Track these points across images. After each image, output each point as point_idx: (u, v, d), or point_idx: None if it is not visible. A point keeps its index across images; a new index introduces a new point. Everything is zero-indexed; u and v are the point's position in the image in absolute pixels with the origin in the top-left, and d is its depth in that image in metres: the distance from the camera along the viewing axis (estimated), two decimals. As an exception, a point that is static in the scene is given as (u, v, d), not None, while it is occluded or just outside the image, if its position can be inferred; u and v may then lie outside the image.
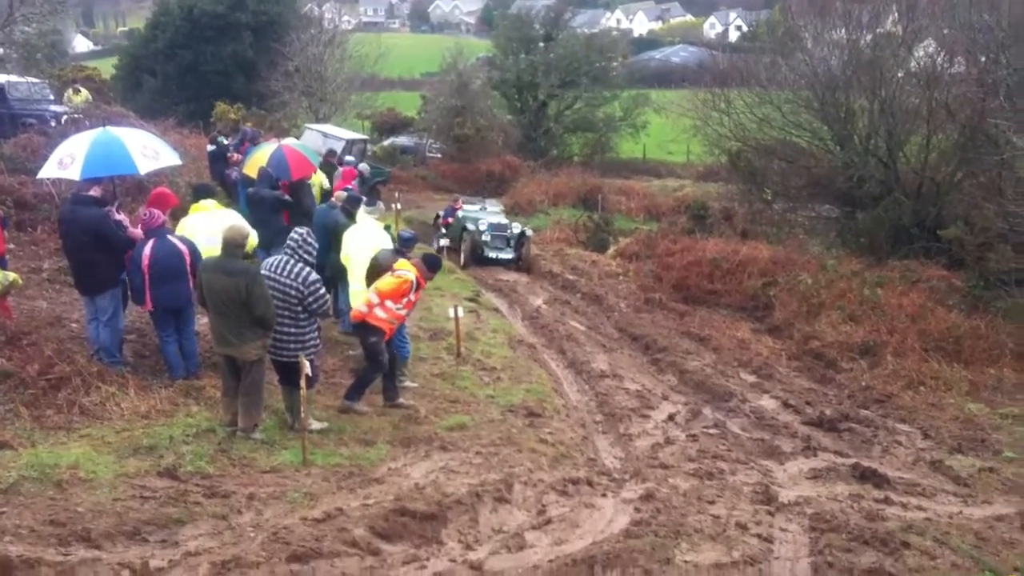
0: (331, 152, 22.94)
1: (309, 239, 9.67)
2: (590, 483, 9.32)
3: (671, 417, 12.16)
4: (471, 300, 17.33)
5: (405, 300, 10.58)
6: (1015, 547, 8.15)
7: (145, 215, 10.41)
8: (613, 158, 45.22)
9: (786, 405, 12.68)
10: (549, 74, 44.58)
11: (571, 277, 20.75)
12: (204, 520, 7.42)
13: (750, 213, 26.18)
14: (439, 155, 38.97)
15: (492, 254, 21.89)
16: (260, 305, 9.01)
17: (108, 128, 11.86)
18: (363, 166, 22.88)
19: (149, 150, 11.27)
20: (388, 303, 10.41)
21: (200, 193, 11.94)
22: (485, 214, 23.06)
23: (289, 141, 17.31)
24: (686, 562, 7.29)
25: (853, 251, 21.65)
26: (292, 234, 9.74)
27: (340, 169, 20.51)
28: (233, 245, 9.22)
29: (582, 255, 23.27)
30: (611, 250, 24.28)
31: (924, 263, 19.26)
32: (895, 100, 23.14)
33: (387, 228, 13.52)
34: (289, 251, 9.60)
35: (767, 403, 12.78)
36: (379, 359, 10.67)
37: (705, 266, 19.97)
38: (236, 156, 18.65)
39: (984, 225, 18.98)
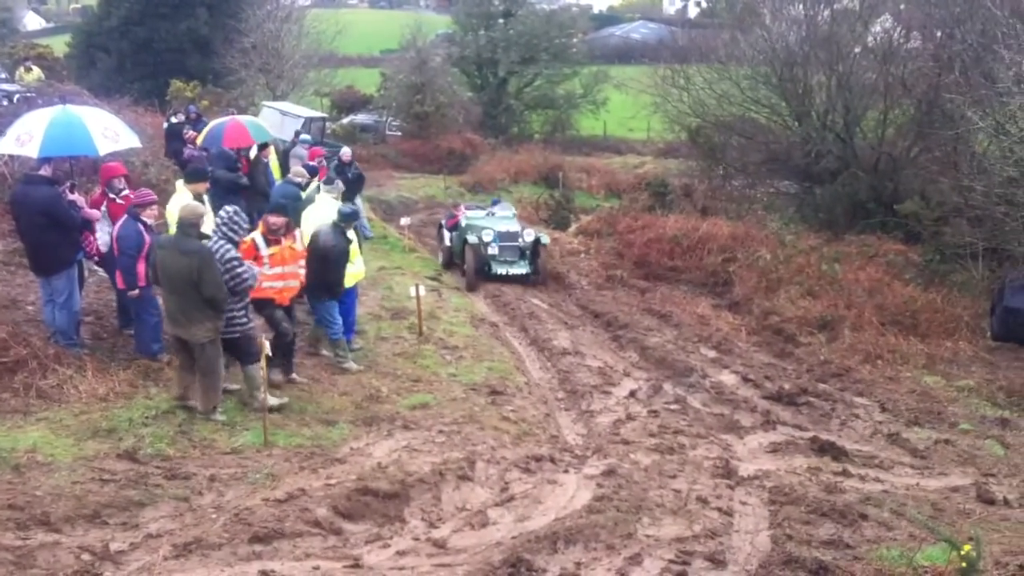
0: (298, 133, 22.83)
1: (236, 217, 9.60)
2: (552, 460, 9.37)
3: (632, 393, 12.23)
4: (433, 279, 17.31)
5: (263, 260, 10.32)
6: (970, 517, 8.29)
7: (133, 194, 10.37)
8: (574, 135, 45.17)
9: (746, 380, 12.79)
10: (509, 51, 44.42)
11: (532, 255, 20.74)
12: (165, 502, 7.39)
13: (710, 189, 26.31)
14: (399, 133, 38.74)
15: (501, 269, 17.93)
16: (210, 286, 8.95)
17: (68, 107, 11.67)
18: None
19: (110, 131, 11.11)
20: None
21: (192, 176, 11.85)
22: (492, 221, 18.83)
23: (243, 118, 17.16)
24: (648, 536, 7.36)
25: (811, 226, 21.85)
26: (220, 212, 9.72)
27: (302, 148, 20.32)
28: (187, 224, 9.14)
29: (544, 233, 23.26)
30: (572, 228, 24.30)
31: (881, 238, 19.49)
32: (852, 75, 23.32)
33: None
34: (215, 229, 9.59)
35: (727, 378, 12.89)
36: (279, 328, 10.56)
37: (666, 243, 20.04)
38: (192, 134, 18.45)
39: (940, 199, 19.23)
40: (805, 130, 23.99)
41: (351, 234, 11.87)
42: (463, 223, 18.87)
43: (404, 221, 20.08)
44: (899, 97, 22.50)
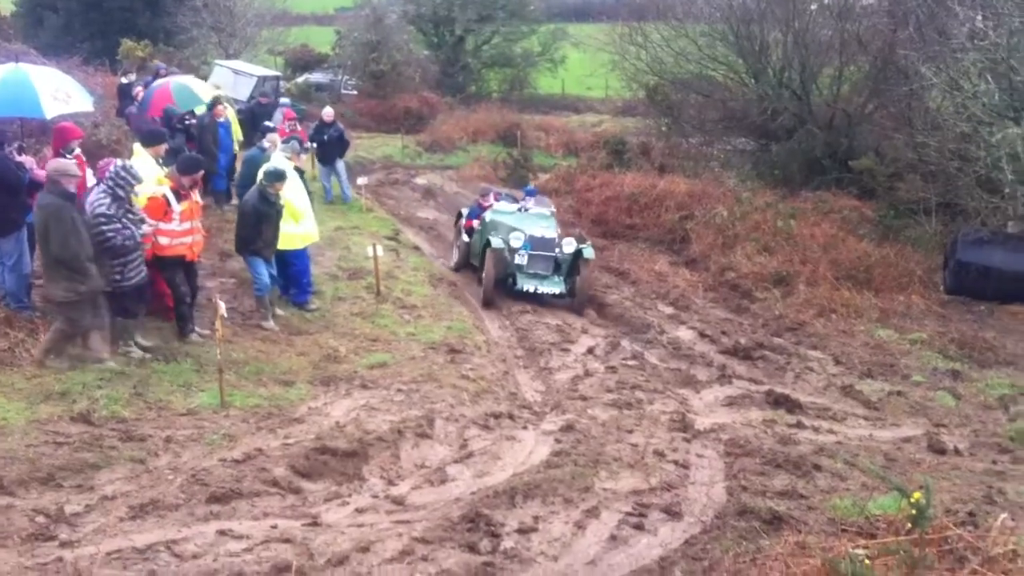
0: (263, 94, 22.55)
1: (124, 172, 9.54)
2: (511, 417, 9.42)
3: (590, 350, 12.30)
4: (390, 239, 17.21)
5: (173, 215, 10.21)
6: (921, 466, 8.45)
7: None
8: (532, 94, 44.94)
9: (702, 335, 12.91)
10: (466, 8, 43.95)
11: (491, 214, 20.69)
12: (120, 464, 7.33)
13: (667, 147, 26.32)
14: (355, 92, 38.34)
15: (529, 285, 14.34)
16: (54, 243, 8.87)
17: (21, 65, 11.42)
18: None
19: (61, 93, 10.92)
20: (161, 226, 10.13)
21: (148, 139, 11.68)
22: (525, 219, 15.28)
23: (175, 83, 16.88)
24: (605, 489, 7.42)
25: (767, 183, 21.96)
26: (111, 166, 9.68)
27: (279, 111, 20.10)
28: (51, 180, 9.08)
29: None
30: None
31: (836, 194, 19.63)
32: (808, 33, 23.36)
33: (300, 172, 13.30)
34: (103, 182, 9.59)
35: (684, 334, 12.99)
36: (176, 291, 10.48)
37: (623, 201, 20.07)
38: (140, 90, 18.18)
39: (894, 155, 19.39)
40: (761, 87, 24.05)
41: (297, 193, 11.84)
42: (487, 219, 15.40)
43: (361, 181, 19.92)
44: (854, 54, 22.60)
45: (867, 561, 4.88)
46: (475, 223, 15.85)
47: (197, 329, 10.69)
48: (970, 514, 6.98)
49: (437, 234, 18.92)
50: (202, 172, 10.67)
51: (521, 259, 14.46)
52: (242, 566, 5.90)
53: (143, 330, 10.30)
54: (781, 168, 22.88)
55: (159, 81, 18.21)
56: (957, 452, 9.12)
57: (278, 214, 11.49)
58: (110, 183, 9.44)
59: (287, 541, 6.35)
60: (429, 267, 15.90)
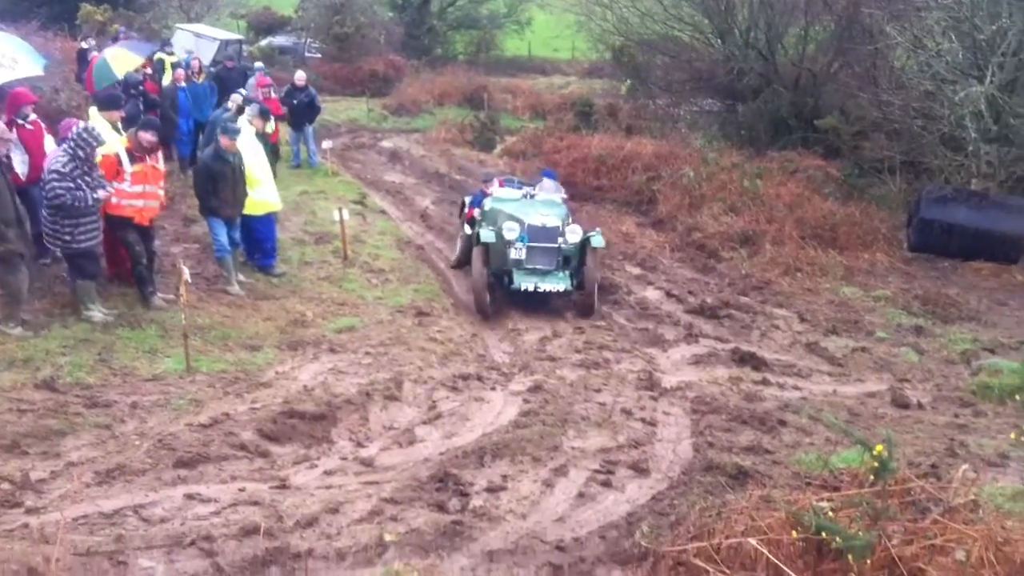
0: (229, 58, 22.25)
1: (86, 134, 9.51)
2: (479, 378, 9.44)
3: (559, 311, 12.33)
4: (357, 203, 17.11)
5: (124, 175, 10.12)
6: (884, 420, 8.56)
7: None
8: (498, 56, 44.63)
9: (669, 295, 12.96)
10: (431, -31, 43.59)
11: (458, 177, 20.61)
12: (86, 430, 7.29)
13: (634, 109, 26.28)
14: (319, 55, 37.91)
15: (527, 282, 12.26)
16: None
17: None
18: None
19: (7, 59, 10.73)
20: (114, 186, 10.04)
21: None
22: (527, 207, 13.15)
23: (104, 56, 16.62)
24: (573, 448, 7.46)
25: (734, 144, 21.99)
26: (73, 127, 9.70)
27: (252, 78, 19.82)
28: None
29: (469, 154, 23.09)
30: (498, 149, 24.13)
31: (802, 153, 19.70)
32: (774, -8, 23.32)
33: (265, 138, 13.18)
34: (65, 142, 9.58)
35: (651, 294, 13.04)
36: (131, 252, 10.41)
37: (591, 162, 20.04)
38: (96, 56, 17.92)
39: (859, 114, 19.46)
40: (728, 48, 24.01)
41: (255, 159, 11.75)
42: (485, 208, 13.40)
43: (326, 145, 19.77)
44: (820, 13, 22.58)
45: (831, 513, 4.95)
46: (476, 212, 13.68)
47: (160, 293, 10.60)
48: (932, 466, 7.09)
49: (404, 198, 18.82)
50: (157, 135, 10.49)
51: (518, 253, 12.31)
52: (210, 529, 5.89)
53: (103, 297, 10.19)
54: (747, 128, 22.92)
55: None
56: (920, 406, 9.24)
57: (235, 172, 11.33)
58: (71, 144, 9.38)
59: (255, 504, 6.35)
60: (396, 231, 15.84)
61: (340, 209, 13.63)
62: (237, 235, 11.74)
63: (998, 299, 13.75)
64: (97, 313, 9.77)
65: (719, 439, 7.82)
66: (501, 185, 14.20)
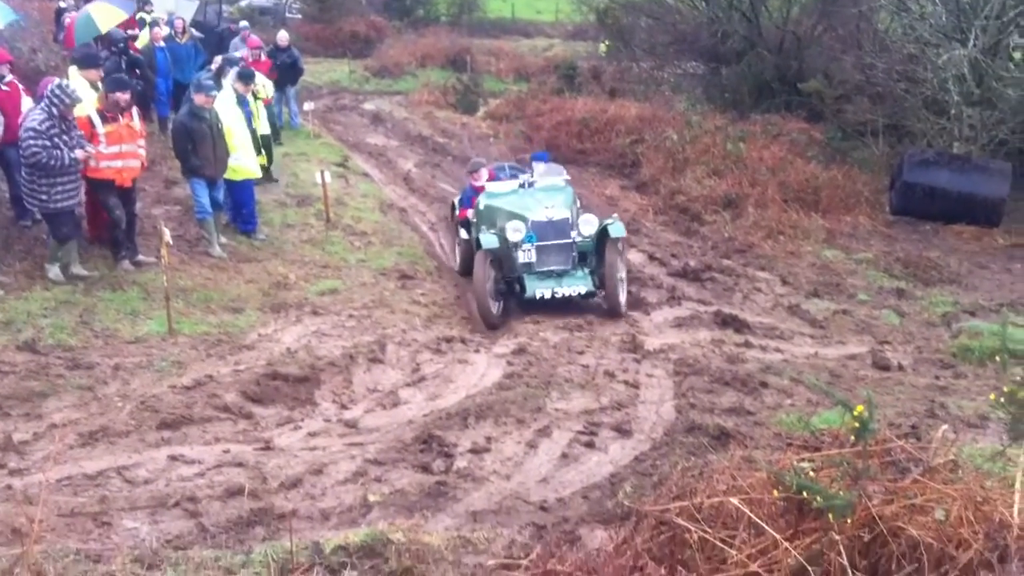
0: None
1: (59, 91, 9.48)
2: (463, 340, 9.46)
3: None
4: (339, 165, 17.01)
5: (98, 138, 10.05)
6: (865, 382, 8.62)
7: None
8: (481, 17, 44.22)
9: (652, 258, 12.97)
10: (413, -71, 43.04)
11: (441, 140, 20.53)
12: (68, 392, 7.28)
13: (618, 71, 26.14)
14: (299, 16, 37.50)
15: (543, 290, 10.71)
16: None
17: None
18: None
19: None
20: (93, 147, 10.00)
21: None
22: (527, 199, 11.53)
23: (95, 4, 16.42)
24: (556, 409, 7.50)
25: (717, 107, 21.92)
26: (49, 84, 9.68)
27: (238, 38, 19.55)
28: None
29: (452, 117, 22.97)
30: (481, 112, 24.02)
31: (785, 117, 19.66)
32: (758, -47, 23.17)
33: (243, 101, 13.08)
34: (41, 100, 9.57)
35: (634, 257, 13.04)
36: (111, 213, 10.35)
37: (574, 125, 19.96)
38: (73, 16, 17.70)
39: (842, 77, 19.41)
40: (712, 10, 23.87)
41: (234, 123, 11.67)
42: (480, 207, 11.76)
43: (308, 106, 19.61)
44: (804, -25, 22.49)
45: (812, 473, 4.98)
46: (470, 213, 12.07)
47: (141, 256, 10.55)
48: (913, 427, 7.16)
49: (387, 160, 18.73)
50: (129, 93, 10.37)
51: (527, 256, 10.73)
52: (194, 490, 5.91)
53: (82, 258, 10.12)
54: (731, 91, 22.83)
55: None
56: (901, 368, 9.31)
57: (212, 131, 11.22)
58: (46, 101, 9.31)
59: (240, 465, 6.37)
60: (379, 193, 15.77)
61: (322, 171, 13.55)
62: (220, 197, 11.65)
63: (979, 262, 13.82)
64: (56, 273, 9.71)
65: (701, 401, 7.87)
66: (492, 177, 12.48)
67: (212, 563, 5.02)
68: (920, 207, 15.39)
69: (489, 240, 10.60)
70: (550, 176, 12.19)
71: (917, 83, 16.69)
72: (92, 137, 9.89)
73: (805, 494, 4.66)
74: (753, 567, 4.45)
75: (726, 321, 10.33)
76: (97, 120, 9.99)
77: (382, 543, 5.29)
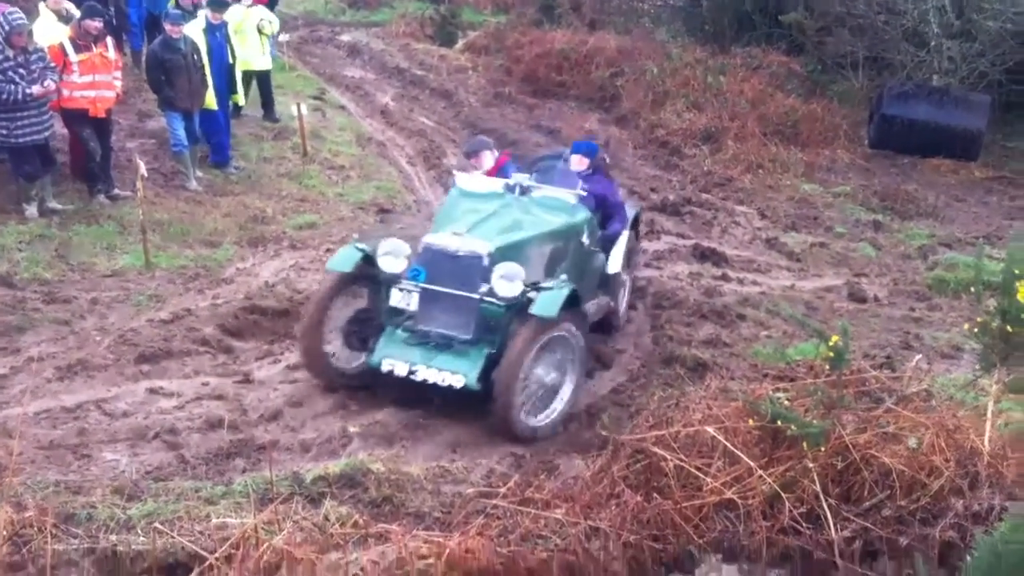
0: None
1: (1, 19, 9.17)
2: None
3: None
4: (316, 98, 16.79)
5: (71, 67, 9.81)
6: (840, 313, 8.70)
7: None
8: (459, -53, 43.64)
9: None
10: None
11: (419, 72, 20.28)
12: (45, 326, 7.26)
13: (598, 2, 25.85)
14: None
15: (393, 361, 6.49)
16: None
17: None
18: None
19: None
20: (61, 79, 9.76)
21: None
22: (505, 212, 7.38)
23: None
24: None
25: (698, 39, 21.72)
26: None
27: None
28: None
29: (429, 50, 22.66)
30: (459, 44, 23.71)
31: (765, 49, 19.51)
32: None
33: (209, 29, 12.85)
34: None
35: (614, 191, 13.02)
36: (85, 145, 10.19)
37: (554, 58, 19.72)
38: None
39: (823, 9, 19.23)
40: (693, -60, 23.59)
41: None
42: (440, 207, 8.55)
43: (283, 38, 19.28)
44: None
45: (787, 403, 5.05)
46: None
47: (117, 190, 10.44)
48: (887, 358, 7.25)
49: (364, 93, 18.51)
50: (102, 22, 10.17)
51: (405, 300, 6.72)
52: (174, 422, 5.94)
53: (54, 192, 10.00)
54: (711, 24, 22.60)
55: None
56: (877, 300, 9.40)
57: (187, 61, 11.02)
58: None
59: (219, 398, 6.40)
60: (356, 127, 15.61)
61: (299, 104, 13.38)
62: (196, 129, 11.51)
63: (956, 195, 13.89)
64: (32, 211, 9.58)
65: (679, 333, 7.93)
66: (502, 162, 8.41)
67: (192, 494, 5.06)
68: (898, 140, 15.41)
69: (346, 259, 6.85)
70: (564, 184, 7.93)
71: (897, 15, 16.60)
72: (65, 66, 9.71)
73: (780, 423, 4.73)
74: (728, 494, 4.53)
75: (704, 254, 10.36)
76: (70, 49, 9.81)
77: (362, 473, 5.34)
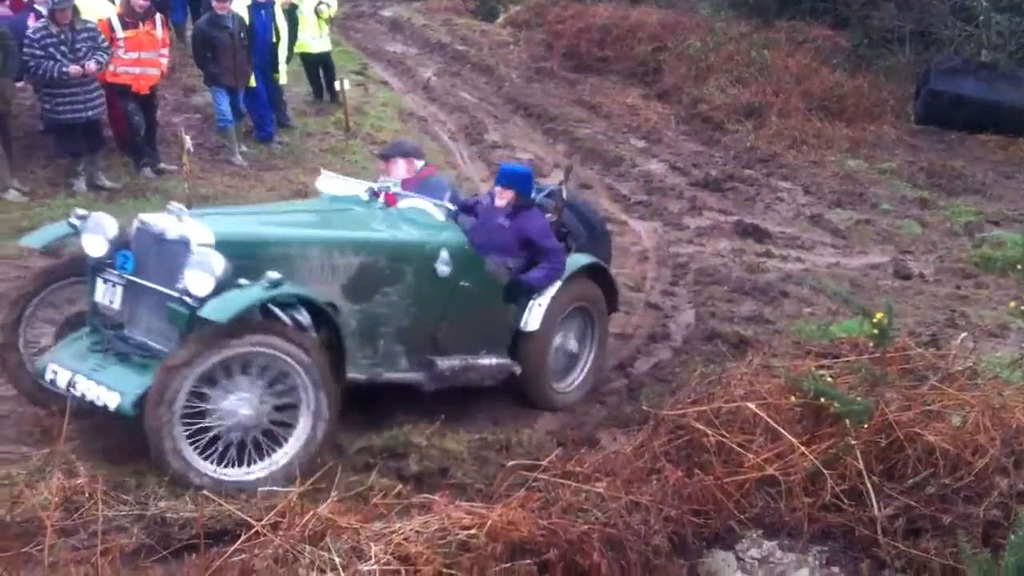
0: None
1: None
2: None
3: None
4: (358, 73, 16.86)
5: (117, 43, 9.95)
6: (885, 291, 8.63)
7: None
8: (501, -79, 43.41)
9: (674, 168, 12.90)
10: None
11: (461, 48, 20.26)
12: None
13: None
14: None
15: (57, 368, 5.16)
16: None
17: None
18: None
19: None
20: (106, 55, 9.84)
21: None
22: (367, 216, 6.26)
23: None
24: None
25: (741, 13, 21.45)
26: None
27: None
28: None
29: (471, 24, 22.63)
30: (501, 19, 23.65)
31: (810, 23, 19.27)
32: None
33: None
34: None
35: (656, 167, 12.98)
36: (131, 120, 10.32)
37: (595, 33, 19.60)
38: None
39: (870, -18, 19.01)
40: (737, -88, 23.28)
41: None
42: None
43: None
44: None
45: (829, 379, 5.03)
46: None
47: (163, 164, 10.57)
48: (932, 336, 7.18)
49: (406, 68, 18.53)
50: (149, 1, 10.27)
51: (108, 295, 5.38)
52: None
53: (106, 167, 10.14)
54: (755, -3, 22.40)
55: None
56: (922, 278, 9.32)
57: (234, 39, 11.09)
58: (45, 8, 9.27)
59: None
60: (398, 102, 15.65)
61: (341, 80, 13.42)
62: (241, 105, 11.60)
63: (1004, 172, 13.67)
64: (81, 186, 9.73)
65: (721, 309, 7.91)
66: (423, 175, 6.95)
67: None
68: (945, 116, 15.19)
69: (45, 235, 5.92)
70: (428, 193, 6.54)
71: (945, -12, 16.35)
72: (112, 42, 9.82)
73: (823, 400, 4.71)
74: (770, 470, 4.52)
75: (747, 231, 10.32)
76: (117, 25, 9.93)
77: (404, 445, 5.40)
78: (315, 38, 13.81)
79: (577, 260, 6.66)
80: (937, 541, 4.15)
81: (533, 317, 6.36)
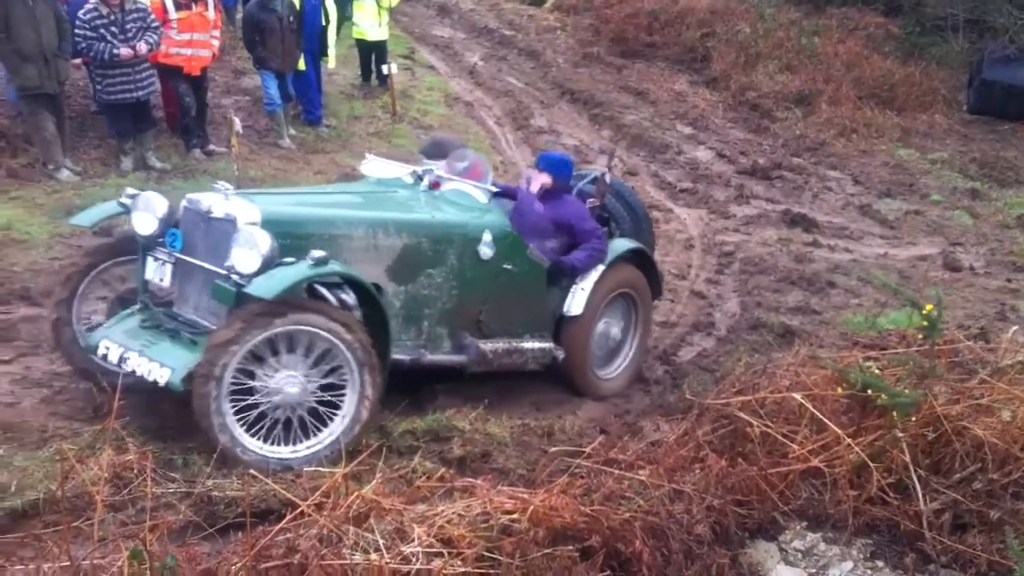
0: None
1: None
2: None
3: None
4: (405, 57, 16.88)
5: (170, 24, 10.02)
6: (934, 282, 8.53)
7: None
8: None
9: (721, 155, 12.81)
10: None
11: (508, 32, 20.22)
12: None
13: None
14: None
15: (109, 343, 5.20)
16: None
17: None
18: None
19: None
20: (157, 35, 9.90)
21: None
22: (413, 200, 6.24)
23: None
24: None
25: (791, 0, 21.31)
26: None
27: None
28: None
29: (519, 9, 22.56)
30: (548, 3, 23.56)
31: (861, 10, 19.05)
32: None
33: None
34: None
35: (702, 154, 12.89)
36: (182, 101, 10.39)
37: (643, 18, 19.48)
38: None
39: (923, -30, 18.73)
40: None
41: None
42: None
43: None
44: None
45: (877, 371, 4.98)
46: None
47: (212, 146, 10.68)
48: (982, 329, 7.09)
49: (452, 53, 18.53)
50: None
51: (159, 272, 5.44)
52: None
53: (153, 148, 10.25)
54: (806, -17, 22.15)
55: None
56: (972, 270, 9.19)
57: (282, 23, 11.15)
58: None
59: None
60: (445, 87, 15.67)
61: (388, 64, 13.48)
62: (290, 88, 11.68)
63: (1058, 164, 13.47)
64: (127, 164, 9.85)
65: (767, 299, 7.86)
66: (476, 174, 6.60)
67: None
68: (999, 106, 14.97)
69: (94, 214, 5.81)
70: (470, 176, 6.50)
71: (1001, -24, 16.07)
72: (164, 23, 9.93)
73: (870, 392, 4.67)
74: (815, 462, 4.49)
75: (795, 220, 10.24)
76: (171, 5, 10.04)
77: (447, 429, 5.42)
78: (373, 26, 13.79)
79: (621, 245, 6.62)
80: (984, 537, 4.12)
81: (576, 301, 6.34)
